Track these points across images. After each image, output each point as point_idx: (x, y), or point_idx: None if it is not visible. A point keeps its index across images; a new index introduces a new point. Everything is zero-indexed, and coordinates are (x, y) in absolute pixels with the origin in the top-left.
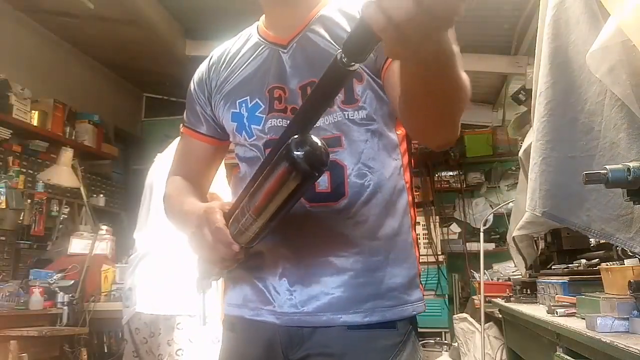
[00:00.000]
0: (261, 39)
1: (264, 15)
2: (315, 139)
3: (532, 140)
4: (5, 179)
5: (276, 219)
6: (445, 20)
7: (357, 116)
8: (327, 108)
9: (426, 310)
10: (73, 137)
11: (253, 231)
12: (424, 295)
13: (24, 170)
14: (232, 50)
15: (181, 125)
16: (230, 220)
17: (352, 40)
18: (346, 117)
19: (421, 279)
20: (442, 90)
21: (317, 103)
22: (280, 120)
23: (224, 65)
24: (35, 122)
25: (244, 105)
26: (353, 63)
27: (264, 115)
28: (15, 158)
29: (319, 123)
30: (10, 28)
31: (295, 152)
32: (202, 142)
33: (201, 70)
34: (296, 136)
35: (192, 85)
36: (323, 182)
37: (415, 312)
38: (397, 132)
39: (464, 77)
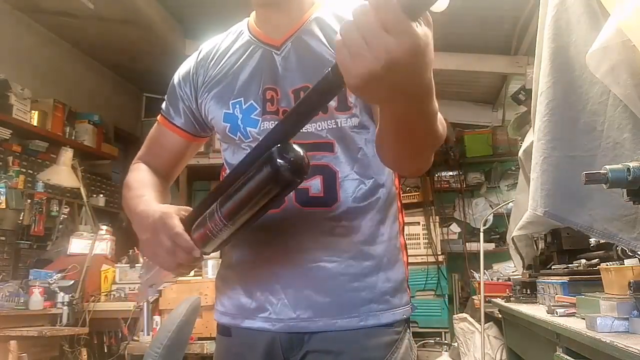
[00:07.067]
0: (253, 38)
1: (254, 12)
2: (297, 147)
3: (533, 140)
4: (5, 179)
5: (248, 226)
6: (420, 69)
7: (350, 123)
8: (312, 117)
9: (426, 310)
10: (73, 137)
11: (222, 237)
12: (410, 297)
13: (24, 170)
14: (222, 46)
15: (159, 115)
16: (194, 226)
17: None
18: (339, 124)
19: (422, 281)
20: (415, 135)
21: (303, 113)
22: (273, 122)
23: (213, 62)
24: (35, 122)
25: (237, 106)
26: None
27: (260, 118)
28: (15, 158)
29: (312, 128)
30: (10, 28)
31: (279, 160)
32: (175, 134)
33: (188, 64)
34: (279, 145)
35: (177, 78)
36: (315, 186)
37: (405, 316)
38: None
39: (441, 127)
